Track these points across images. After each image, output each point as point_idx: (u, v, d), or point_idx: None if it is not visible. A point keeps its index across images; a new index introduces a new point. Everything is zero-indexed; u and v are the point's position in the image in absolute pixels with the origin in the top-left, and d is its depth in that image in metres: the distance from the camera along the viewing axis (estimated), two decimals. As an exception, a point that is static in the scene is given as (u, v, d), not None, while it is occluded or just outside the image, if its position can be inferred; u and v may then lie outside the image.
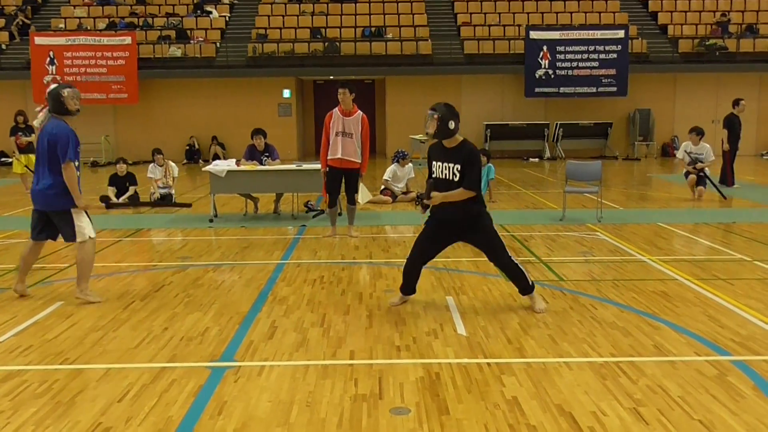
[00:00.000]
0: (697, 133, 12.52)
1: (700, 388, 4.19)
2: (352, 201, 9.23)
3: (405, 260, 7.82)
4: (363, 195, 9.24)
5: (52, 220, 6.17)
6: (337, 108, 8.88)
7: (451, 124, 5.66)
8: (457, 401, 4.00)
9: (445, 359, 4.70)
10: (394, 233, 9.78)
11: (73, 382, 4.35)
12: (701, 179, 12.56)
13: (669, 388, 4.17)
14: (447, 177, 5.70)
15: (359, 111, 8.90)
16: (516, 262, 5.86)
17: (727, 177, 13.97)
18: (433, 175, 5.80)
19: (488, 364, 4.61)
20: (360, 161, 8.93)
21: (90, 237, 6.15)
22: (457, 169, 5.65)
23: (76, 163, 6.01)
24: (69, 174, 5.97)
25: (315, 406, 3.95)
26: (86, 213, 6.19)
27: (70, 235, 6.13)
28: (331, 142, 8.86)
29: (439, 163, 5.76)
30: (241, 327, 5.44)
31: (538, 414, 3.83)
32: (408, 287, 6.09)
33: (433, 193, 5.84)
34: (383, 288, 6.61)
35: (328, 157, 8.90)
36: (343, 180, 9.00)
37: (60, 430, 3.68)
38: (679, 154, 13.12)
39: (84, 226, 6.13)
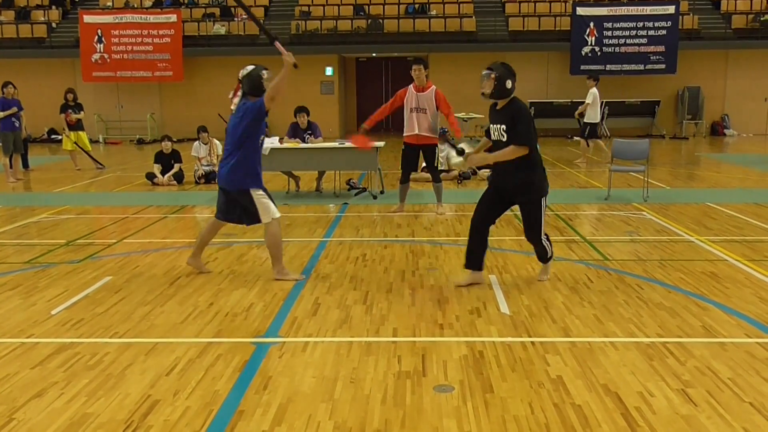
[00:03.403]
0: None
1: (751, 370, 4.10)
2: (436, 179, 9.34)
3: (447, 238, 7.84)
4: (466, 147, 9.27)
5: (238, 201, 6.11)
6: (411, 85, 8.95)
7: (509, 83, 5.53)
8: (501, 379, 3.99)
9: (488, 338, 4.68)
10: (437, 211, 9.74)
11: (123, 355, 4.45)
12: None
13: (718, 370, 4.10)
14: (499, 138, 5.61)
15: (433, 86, 8.97)
16: (546, 246, 5.80)
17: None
18: (491, 138, 5.73)
19: (532, 342, 4.58)
20: (435, 136, 8.99)
21: (273, 217, 6.05)
22: (503, 129, 5.54)
23: (262, 138, 6.05)
24: (274, 90, 5.90)
25: (359, 383, 3.98)
26: (268, 195, 6.08)
27: (255, 217, 6.07)
28: (406, 119, 8.96)
29: (492, 125, 5.68)
30: (285, 303, 5.49)
31: (584, 393, 3.80)
32: (472, 259, 5.87)
33: (473, 155, 5.86)
34: (426, 266, 6.60)
35: (405, 134, 9.01)
36: (422, 157, 9.09)
37: (111, 402, 3.78)
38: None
39: (266, 207, 6.03)
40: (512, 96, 5.61)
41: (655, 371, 4.09)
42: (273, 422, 3.52)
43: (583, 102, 15.24)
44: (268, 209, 6.05)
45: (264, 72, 6.04)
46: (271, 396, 3.82)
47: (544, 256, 5.92)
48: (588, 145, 15.57)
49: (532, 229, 5.76)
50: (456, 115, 20.14)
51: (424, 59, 9.04)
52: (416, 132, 8.88)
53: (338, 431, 3.43)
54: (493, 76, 5.52)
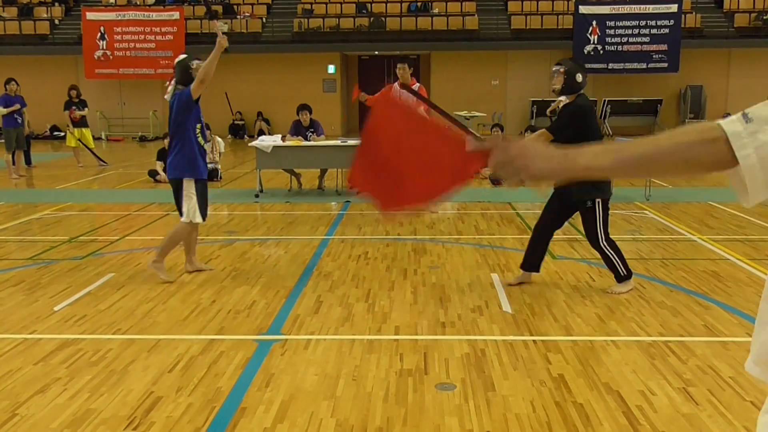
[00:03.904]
0: None
1: (753, 370, 4.10)
2: None
3: (450, 236, 7.85)
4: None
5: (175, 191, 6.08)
6: (396, 82, 9.05)
7: (579, 77, 5.43)
8: (503, 378, 4.00)
9: (490, 336, 4.69)
10: (439, 210, 9.74)
11: (126, 351, 4.47)
12: None
13: (720, 369, 4.10)
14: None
15: (417, 83, 9.15)
16: (608, 252, 5.55)
17: None
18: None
19: (534, 341, 4.59)
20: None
21: (193, 221, 6.02)
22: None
23: (198, 126, 5.98)
24: (204, 70, 5.77)
25: (361, 380, 3.98)
26: (199, 193, 5.99)
27: (180, 211, 6.06)
28: None
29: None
30: (287, 301, 5.50)
31: (585, 392, 3.81)
32: (529, 261, 5.82)
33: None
34: (428, 264, 6.61)
35: None
36: None
37: (114, 398, 3.79)
38: None
39: (191, 206, 5.98)
40: (580, 92, 5.50)
41: (657, 370, 4.09)
42: (275, 419, 3.53)
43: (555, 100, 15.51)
44: (190, 209, 5.97)
45: (194, 62, 6.01)
46: (274, 393, 3.83)
47: (612, 268, 5.60)
48: None
49: (587, 232, 5.62)
50: (458, 113, 20.18)
51: (409, 59, 9.22)
52: None
53: (340, 429, 3.44)
54: (562, 70, 5.43)
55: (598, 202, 5.50)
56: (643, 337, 4.65)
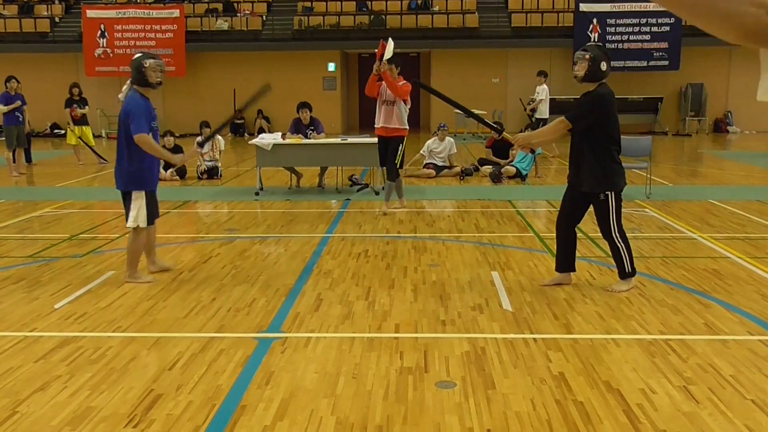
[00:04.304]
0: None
1: (753, 367, 4.10)
2: (391, 176, 9.01)
3: (450, 234, 7.84)
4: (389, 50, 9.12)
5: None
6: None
7: (603, 66, 5.30)
8: (503, 376, 3.99)
9: (490, 334, 4.69)
10: (438, 208, 9.76)
11: (126, 349, 4.47)
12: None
13: (720, 367, 4.10)
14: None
15: (404, 81, 9.10)
16: (619, 244, 5.50)
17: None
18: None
19: (534, 339, 4.59)
20: (403, 128, 8.97)
21: (140, 225, 5.87)
22: None
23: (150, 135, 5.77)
24: (145, 145, 5.66)
25: (361, 378, 3.98)
26: (147, 201, 5.87)
27: (126, 218, 5.96)
28: (377, 111, 9.07)
29: None
30: (288, 299, 5.50)
31: (586, 390, 3.80)
32: (560, 262, 5.71)
33: (518, 134, 5.83)
34: (428, 262, 6.61)
35: (375, 126, 9.12)
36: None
37: (114, 395, 3.79)
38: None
39: (138, 212, 5.84)
40: (602, 81, 5.38)
41: (657, 368, 4.09)
42: (275, 417, 3.53)
43: (535, 99, 15.69)
44: (138, 215, 5.83)
45: (147, 60, 5.80)
46: (274, 391, 3.83)
47: (619, 263, 5.55)
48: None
49: (600, 224, 5.58)
50: (457, 112, 20.13)
51: (395, 58, 9.08)
52: (383, 124, 8.98)
53: (340, 426, 3.44)
54: (587, 56, 5.28)
55: (611, 195, 5.46)
56: (644, 336, 4.64)
